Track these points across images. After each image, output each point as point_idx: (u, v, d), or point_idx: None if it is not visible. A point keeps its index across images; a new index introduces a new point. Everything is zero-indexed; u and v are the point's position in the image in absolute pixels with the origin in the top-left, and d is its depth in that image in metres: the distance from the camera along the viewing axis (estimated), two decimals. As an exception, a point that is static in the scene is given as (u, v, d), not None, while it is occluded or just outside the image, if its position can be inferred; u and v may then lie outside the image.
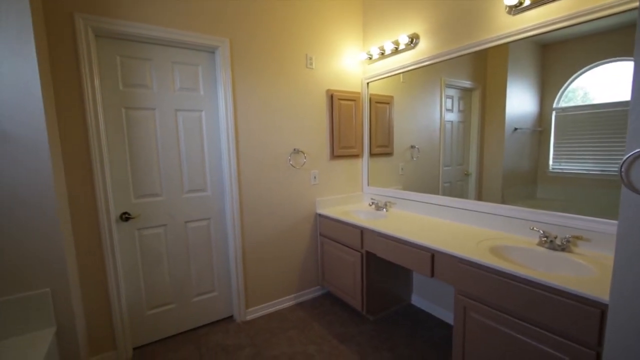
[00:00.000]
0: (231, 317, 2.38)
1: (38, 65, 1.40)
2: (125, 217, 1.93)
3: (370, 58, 2.59)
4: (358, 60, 2.70)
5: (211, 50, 2.12)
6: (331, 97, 2.57)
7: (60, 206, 1.54)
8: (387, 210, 2.51)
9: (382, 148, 2.68)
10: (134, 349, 2.03)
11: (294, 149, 2.46)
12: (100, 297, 1.85)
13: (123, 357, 1.93)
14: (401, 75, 2.42)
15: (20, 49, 1.36)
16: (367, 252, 2.19)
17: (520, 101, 1.77)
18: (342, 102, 2.62)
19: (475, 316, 1.47)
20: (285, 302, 2.53)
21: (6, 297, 1.41)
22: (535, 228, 1.64)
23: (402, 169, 2.55)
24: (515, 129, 1.80)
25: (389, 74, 2.49)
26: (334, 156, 2.66)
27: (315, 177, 2.59)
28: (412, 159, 2.44)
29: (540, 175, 1.72)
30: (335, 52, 2.57)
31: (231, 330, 2.21)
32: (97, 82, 1.77)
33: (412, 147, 2.44)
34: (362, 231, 2.17)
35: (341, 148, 2.67)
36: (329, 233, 2.49)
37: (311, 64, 2.46)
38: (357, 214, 2.58)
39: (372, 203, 2.63)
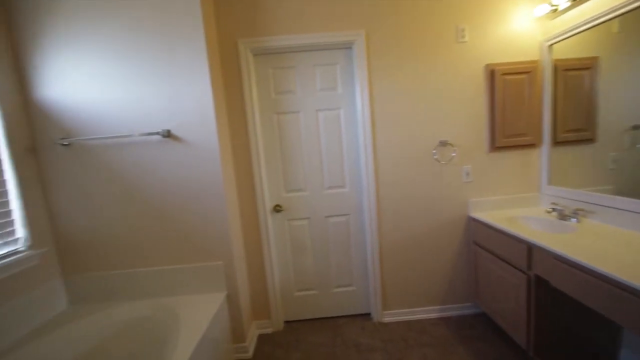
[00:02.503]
0: (369, 314, 2.36)
1: (212, 90, 1.79)
2: (277, 208, 2.24)
3: (555, 10, 1.86)
4: (533, 17, 2.00)
5: (348, 46, 2.10)
6: (491, 73, 2.04)
7: (228, 198, 1.94)
8: (578, 221, 1.79)
9: (576, 133, 1.90)
10: (285, 322, 2.36)
11: (440, 142, 2.12)
12: (260, 273, 2.24)
13: (275, 326, 2.27)
14: (617, 22, 1.61)
15: (199, 79, 1.78)
16: (538, 277, 1.63)
17: None
18: (508, 77, 2.03)
19: None
20: (427, 313, 2.27)
21: (198, 264, 1.92)
22: None
23: (613, 161, 1.74)
24: None
25: (590, 25, 1.71)
26: (495, 147, 2.11)
27: (467, 174, 2.15)
28: (633, 146, 1.61)
29: None
30: (496, 14, 2.01)
31: (367, 329, 2.20)
32: (254, 94, 2.10)
33: (636, 127, 1.60)
34: (530, 247, 1.63)
35: (506, 137, 2.09)
36: (485, 243, 2.02)
37: (463, 36, 2.02)
38: (527, 222, 1.97)
39: (554, 209, 1.94)
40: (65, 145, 1.79)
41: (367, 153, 2.12)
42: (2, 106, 1.64)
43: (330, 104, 2.17)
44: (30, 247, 1.72)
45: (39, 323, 1.72)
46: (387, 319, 2.27)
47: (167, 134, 1.80)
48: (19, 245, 1.69)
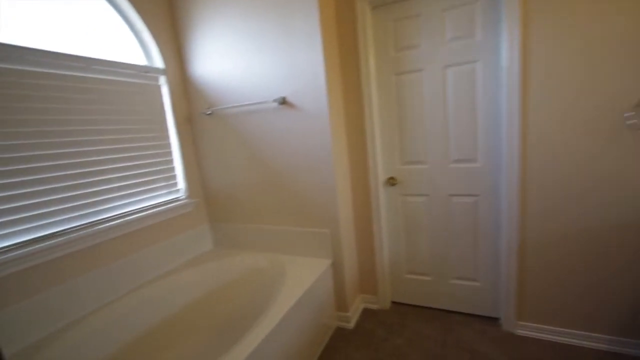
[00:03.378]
0: (496, 320, 1.92)
1: (323, 55, 1.70)
2: (391, 182, 2.04)
3: None
4: None
5: (494, -26, 1.58)
6: None
7: (337, 167, 1.88)
8: None
9: None
10: (392, 302, 2.21)
11: (645, 99, 1.38)
12: (369, 247, 2.14)
13: (382, 304, 2.16)
14: None
15: (311, 44, 1.72)
16: None
17: None
18: None
19: None
20: (587, 340, 1.65)
21: (307, 229, 1.99)
22: None
23: None
24: None
25: None
26: None
27: (697, 150, 1.34)
28: None
29: None
30: None
31: (489, 335, 1.80)
32: (371, 53, 1.89)
33: None
34: None
35: None
36: None
37: None
38: None
39: None
40: (209, 114, 2.12)
41: (513, 118, 1.61)
42: (170, 85, 2.06)
43: (463, 57, 1.73)
44: (187, 197, 2.18)
45: (193, 256, 2.20)
46: (521, 332, 1.79)
47: (283, 101, 1.86)
48: (180, 195, 2.16)
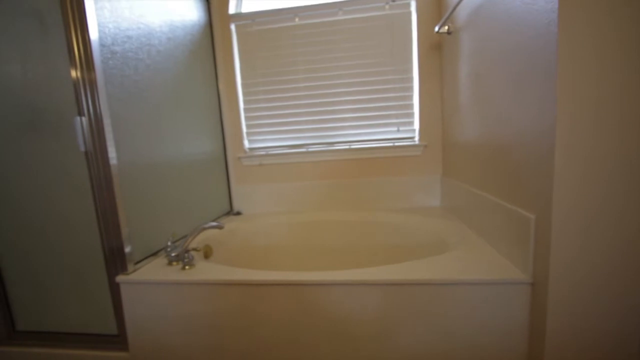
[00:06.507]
0: None
1: None
2: None
3: None
4: None
5: None
6: None
7: (568, 83, 0.81)
8: None
9: None
10: None
11: None
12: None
13: None
14: None
15: None
16: None
17: None
18: None
19: None
20: None
21: (504, 203, 1.09)
22: None
23: None
24: None
25: None
26: None
27: None
28: None
29: None
30: None
31: None
32: None
33: None
34: None
35: None
36: None
37: None
38: None
39: None
40: (449, 34, 1.65)
41: None
42: (418, 8, 1.83)
43: None
44: (419, 140, 1.94)
45: (415, 206, 1.99)
46: None
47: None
48: (413, 135, 1.96)
